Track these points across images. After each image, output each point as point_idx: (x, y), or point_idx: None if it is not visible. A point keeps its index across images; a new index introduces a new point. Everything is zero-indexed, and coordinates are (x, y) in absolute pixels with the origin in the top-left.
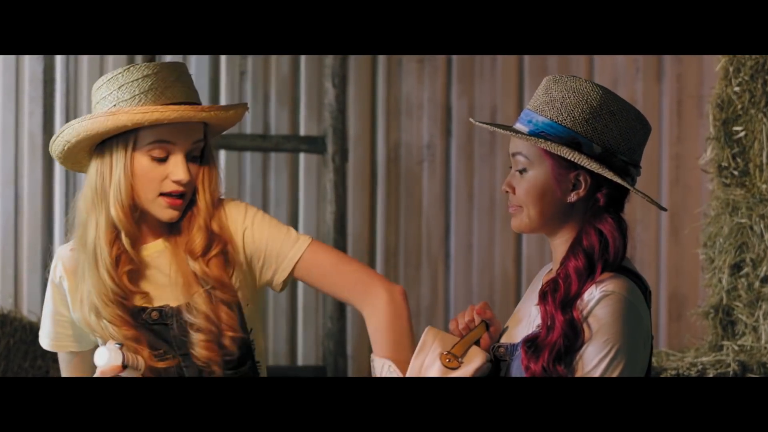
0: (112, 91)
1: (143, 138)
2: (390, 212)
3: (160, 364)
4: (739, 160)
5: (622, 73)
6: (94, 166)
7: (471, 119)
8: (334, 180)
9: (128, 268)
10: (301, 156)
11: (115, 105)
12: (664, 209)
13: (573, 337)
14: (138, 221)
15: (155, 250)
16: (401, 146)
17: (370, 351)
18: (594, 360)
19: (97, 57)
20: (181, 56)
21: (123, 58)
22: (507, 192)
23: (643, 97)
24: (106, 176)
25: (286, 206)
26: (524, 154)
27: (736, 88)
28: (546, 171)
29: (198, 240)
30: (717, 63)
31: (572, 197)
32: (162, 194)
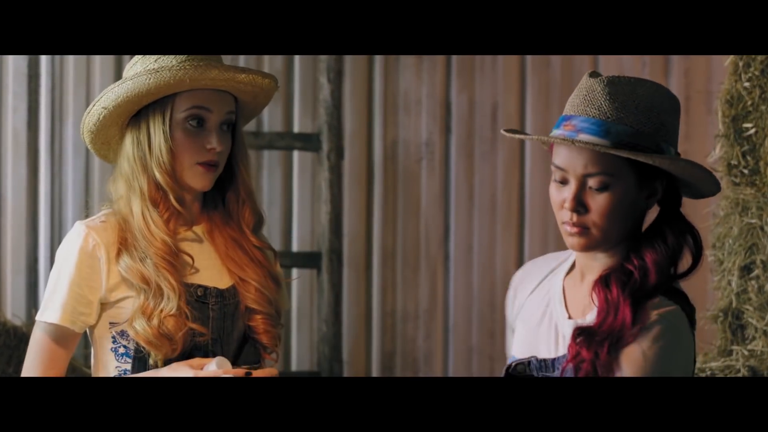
0: (148, 64)
1: (181, 104)
2: (387, 212)
3: (193, 325)
4: (749, 158)
5: (627, 68)
6: (130, 137)
7: (537, 138)
8: (330, 179)
9: (175, 231)
10: (295, 154)
11: (152, 71)
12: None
13: (628, 332)
14: (180, 201)
15: (199, 233)
16: (399, 144)
17: (367, 356)
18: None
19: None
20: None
21: (112, 57)
22: (578, 211)
23: None
24: (145, 144)
25: (280, 206)
26: (604, 170)
27: (746, 84)
28: (631, 184)
29: (247, 213)
30: (726, 58)
31: (650, 204)
32: (198, 163)
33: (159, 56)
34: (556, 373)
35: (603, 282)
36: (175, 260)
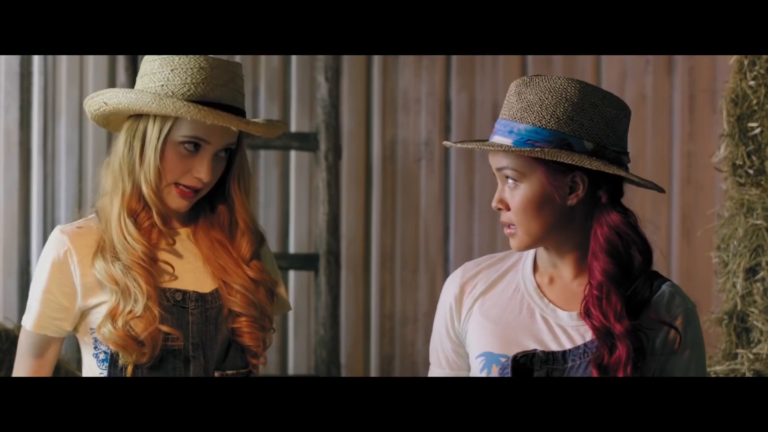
0: (164, 70)
1: (180, 128)
2: (386, 213)
3: (164, 328)
4: (754, 158)
5: (631, 67)
6: (125, 136)
7: (445, 142)
8: (327, 179)
9: (156, 241)
10: (292, 154)
11: (163, 85)
12: (662, 190)
13: (638, 343)
14: (163, 218)
15: (183, 235)
16: (398, 143)
17: (365, 359)
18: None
19: None
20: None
21: (106, 57)
22: (500, 209)
23: (653, 91)
24: (137, 152)
25: (276, 207)
26: (512, 167)
27: (751, 83)
28: (539, 180)
29: (245, 245)
30: (731, 56)
31: (572, 200)
32: (176, 183)
33: (170, 69)
34: (570, 365)
35: (585, 311)
36: (151, 267)
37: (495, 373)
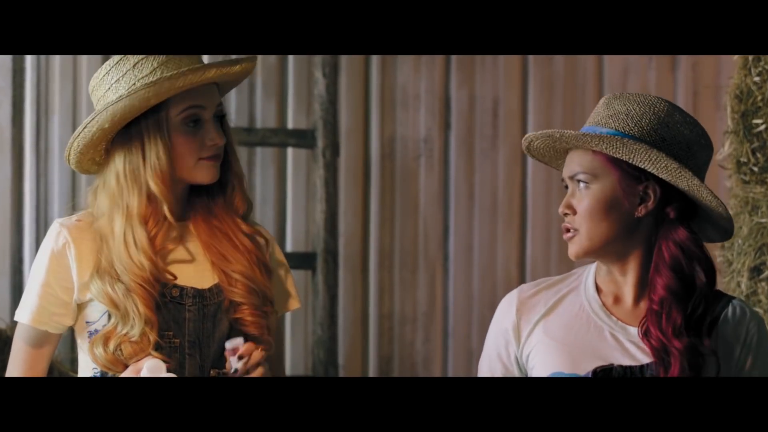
0: (125, 72)
1: (175, 107)
2: (384, 211)
3: (157, 356)
4: (759, 155)
5: (633, 62)
6: (121, 152)
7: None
8: (325, 176)
9: (162, 247)
10: (289, 151)
11: (134, 83)
12: (731, 224)
13: (696, 361)
14: (173, 212)
15: (184, 229)
16: (396, 140)
17: (363, 360)
18: None
19: None
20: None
21: (100, 57)
22: (566, 214)
23: (656, 87)
24: (138, 156)
25: (273, 205)
26: (585, 170)
27: (756, 78)
28: (612, 183)
29: (238, 199)
30: None
31: (640, 210)
32: (201, 158)
33: (135, 62)
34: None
35: (644, 333)
36: (152, 288)
37: None
